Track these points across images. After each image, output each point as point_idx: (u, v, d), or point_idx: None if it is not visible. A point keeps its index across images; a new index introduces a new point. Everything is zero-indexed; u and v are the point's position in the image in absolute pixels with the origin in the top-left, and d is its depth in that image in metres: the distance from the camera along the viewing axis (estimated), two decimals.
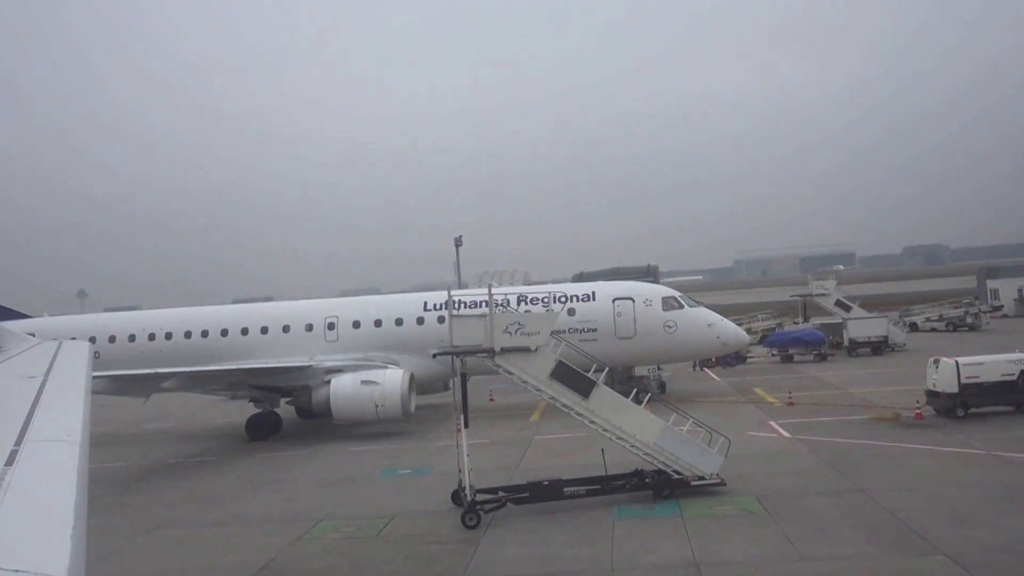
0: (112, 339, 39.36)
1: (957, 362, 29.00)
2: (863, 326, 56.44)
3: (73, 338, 16.61)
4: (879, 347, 54.53)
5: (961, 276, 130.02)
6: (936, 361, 29.94)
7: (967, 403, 28.97)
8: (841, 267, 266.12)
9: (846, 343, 55.72)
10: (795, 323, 67.90)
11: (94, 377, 9.05)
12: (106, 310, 74.24)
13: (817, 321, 63.73)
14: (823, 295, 69.51)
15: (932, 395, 29.72)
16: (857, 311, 65.97)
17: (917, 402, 29.90)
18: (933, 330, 69.48)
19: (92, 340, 34.09)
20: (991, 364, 29.48)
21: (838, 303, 68.46)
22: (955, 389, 28.79)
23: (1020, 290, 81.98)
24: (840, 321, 60.47)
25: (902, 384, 37.21)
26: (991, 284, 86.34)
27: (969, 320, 69.05)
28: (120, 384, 33.50)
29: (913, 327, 69.31)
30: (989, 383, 29.06)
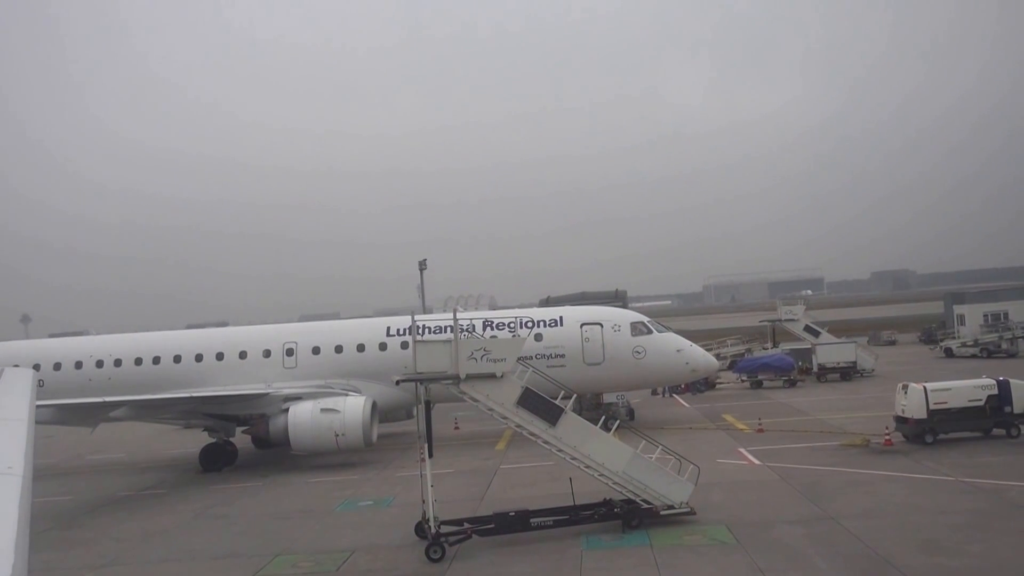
0: (57, 366, 38.20)
1: (925, 388, 29.29)
2: (832, 351, 56.74)
3: (15, 365, 16.05)
4: (848, 372, 54.80)
5: (928, 301, 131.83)
6: (905, 387, 30.16)
7: (935, 429, 29.18)
8: (810, 292, 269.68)
9: (815, 368, 55.99)
10: (764, 349, 68.22)
11: (38, 406, 8.63)
12: (51, 336, 72.68)
13: (786, 347, 64.01)
14: (792, 320, 70.00)
15: (901, 421, 29.91)
16: (826, 336, 66.37)
17: (886, 428, 29.98)
18: (974, 356, 63.67)
19: (36, 367, 33.27)
20: (959, 390, 29.76)
21: (807, 328, 68.97)
22: (923, 415, 29.03)
23: (986, 315, 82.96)
24: (809, 346, 60.79)
25: (871, 410, 37.50)
26: (958, 309, 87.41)
27: (1004, 346, 64.42)
28: (66, 413, 32.32)
29: (948, 352, 67.15)
30: (957, 409, 29.32)
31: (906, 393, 29.72)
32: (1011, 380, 29.61)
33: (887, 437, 29.37)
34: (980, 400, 29.32)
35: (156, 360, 38.31)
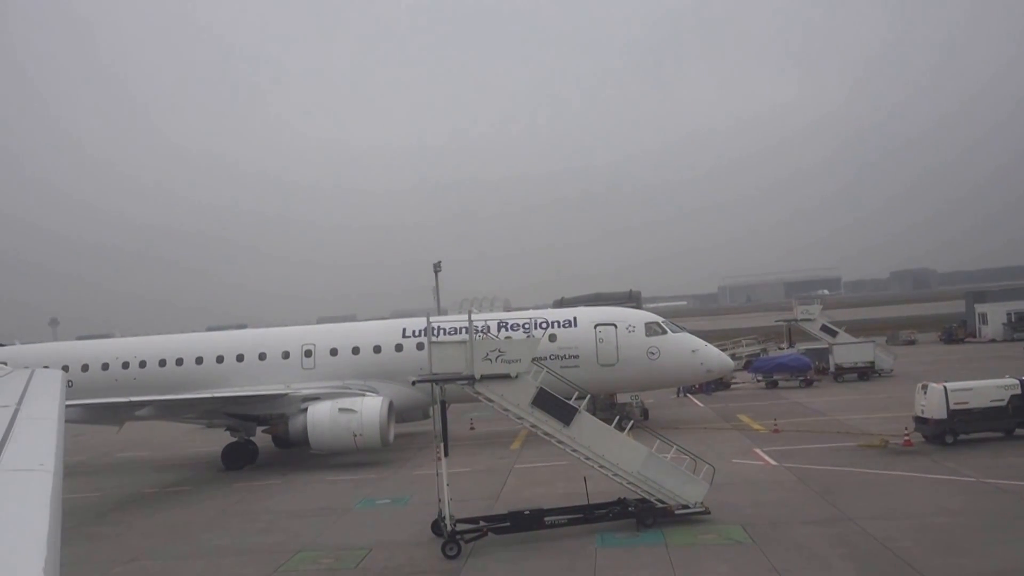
0: (85, 367, 38.98)
1: (945, 388, 28.83)
2: (849, 351, 56.28)
3: (46, 366, 16.36)
4: (866, 372, 54.31)
5: (949, 300, 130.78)
6: (924, 387, 29.77)
7: (956, 429, 28.74)
8: (826, 292, 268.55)
9: (832, 369, 55.59)
10: (780, 348, 67.82)
11: (67, 406, 8.78)
12: (79, 338, 73.44)
13: (802, 347, 63.61)
14: (808, 320, 69.46)
15: (920, 421, 29.53)
16: (843, 336, 65.88)
17: (905, 429, 29.71)
18: None
19: (65, 368, 33.80)
20: (980, 390, 29.27)
21: (824, 328, 68.39)
22: (944, 415, 28.57)
23: (1009, 314, 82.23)
24: (826, 346, 60.36)
25: (890, 410, 37.07)
26: (979, 308, 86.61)
27: None
28: (93, 413, 32.95)
29: None
30: (978, 409, 28.84)
31: (926, 393, 29.34)
32: None
33: (906, 437, 29.04)
34: (1003, 400, 28.86)
35: (179, 361, 38.92)
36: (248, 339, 42.12)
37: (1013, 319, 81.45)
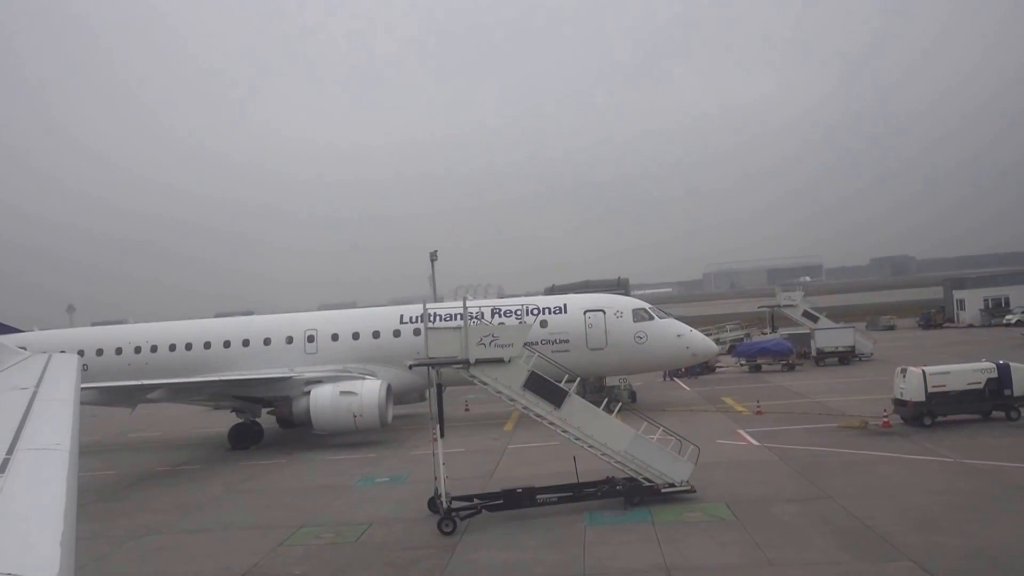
0: (100, 352, 39.99)
1: (924, 371, 29.43)
2: (830, 336, 57.14)
3: (62, 351, 16.84)
4: (846, 357, 55.20)
5: (928, 287, 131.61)
6: (903, 370, 30.28)
7: (934, 412, 29.29)
8: (808, 279, 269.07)
9: (813, 353, 56.36)
10: (763, 334, 68.59)
11: (82, 388, 9.28)
12: (94, 324, 73.69)
13: (785, 332, 64.41)
14: (790, 306, 70.27)
15: (899, 404, 30.09)
16: (824, 321, 66.74)
17: (884, 411, 30.18)
18: None
19: (80, 353, 34.58)
20: (958, 373, 29.86)
21: (805, 314, 69.20)
22: (922, 398, 29.15)
23: (986, 300, 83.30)
24: (808, 331, 61.14)
25: (869, 393, 37.65)
26: (957, 295, 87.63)
27: None
28: (108, 395, 34.10)
29: None
30: (956, 392, 29.36)
31: (904, 376, 29.85)
32: (1011, 364, 29.70)
33: (885, 419, 29.47)
34: (979, 383, 29.34)
35: (188, 346, 39.89)
36: (254, 325, 43.05)
37: (990, 305, 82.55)
